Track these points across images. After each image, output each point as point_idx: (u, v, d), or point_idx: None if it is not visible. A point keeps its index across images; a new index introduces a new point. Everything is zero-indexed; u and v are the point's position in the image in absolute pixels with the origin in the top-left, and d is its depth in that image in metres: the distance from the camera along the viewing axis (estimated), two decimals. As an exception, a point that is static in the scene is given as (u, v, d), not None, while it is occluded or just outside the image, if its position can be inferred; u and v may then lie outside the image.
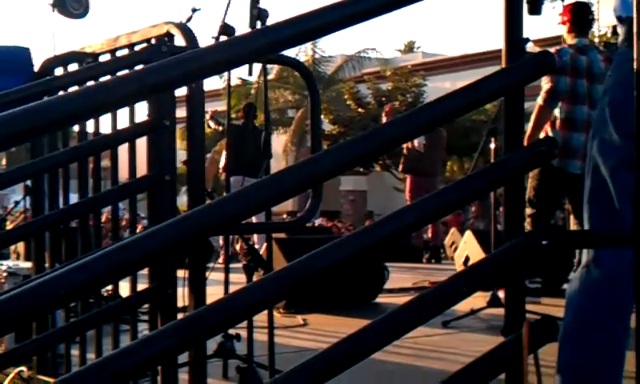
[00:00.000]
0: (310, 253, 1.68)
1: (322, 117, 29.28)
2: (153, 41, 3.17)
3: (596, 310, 2.70)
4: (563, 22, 6.45)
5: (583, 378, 2.71)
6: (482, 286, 1.76)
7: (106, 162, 3.76)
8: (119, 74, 3.42)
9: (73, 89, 3.57)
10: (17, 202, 8.39)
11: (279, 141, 28.18)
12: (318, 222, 18.78)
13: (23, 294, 1.29)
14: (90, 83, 3.50)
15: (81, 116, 1.89)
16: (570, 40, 6.42)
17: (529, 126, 6.24)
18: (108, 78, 3.44)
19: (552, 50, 6.51)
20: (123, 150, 3.53)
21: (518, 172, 1.79)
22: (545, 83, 6.22)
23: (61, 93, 3.57)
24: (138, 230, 3.90)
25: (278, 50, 1.96)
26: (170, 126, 3.15)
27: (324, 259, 1.63)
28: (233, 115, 23.72)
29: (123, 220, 9.07)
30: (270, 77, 31.05)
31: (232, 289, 4.33)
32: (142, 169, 3.47)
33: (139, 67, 3.29)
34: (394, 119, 1.80)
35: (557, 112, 6.21)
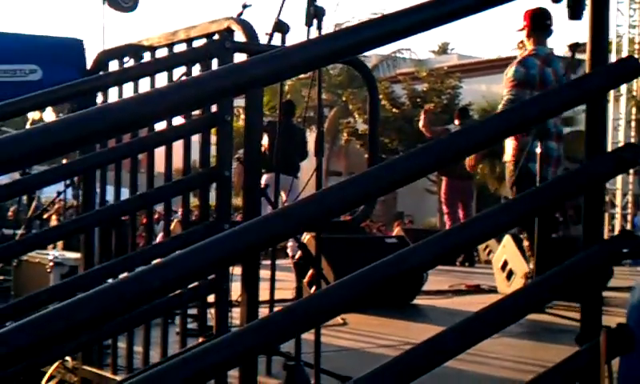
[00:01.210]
0: (384, 258, 1.66)
1: (357, 116, 29.28)
2: (215, 36, 3.15)
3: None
4: (523, 28, 6.50)
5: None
6: (562, 292, 1.74)
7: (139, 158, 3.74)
8: (177, 69, 3.42)
9: (128, 85, 3.58)
10: (59, 193, 8.44)
11: (312, 138, 28.17)
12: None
13: (124, 284, 1.29)
14: (146, 79, 3.51)
15: (135, 124, 1.87)
16: (530, 46, 6.47)
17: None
18: (165, 74, 3.45)
19: (519, 57, 6.61)
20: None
21: (601, 179, 1.77)
22: (508, 94, 6.35)
23: (115, 89, 3.58)
24: (172, 226, 3.91)
25: (357, 53, 1.95)
26: (230, 122, 3.14)
27: (399, 265, 1.61)
28: (266, 112, 23.77)
29: (156, 213, 9.08)
30: (304, 75, 30.92)
31: (277, 285, 4.33)
32: (178, 165, 3.46)
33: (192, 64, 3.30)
34: (474, 124, 1.78)
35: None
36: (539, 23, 6.37)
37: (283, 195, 7.78)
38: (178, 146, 3.44)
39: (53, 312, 1.25)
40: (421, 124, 11.85)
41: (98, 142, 3.24)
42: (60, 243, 7.16)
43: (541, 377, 1.74)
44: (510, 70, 6.51)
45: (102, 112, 1.52)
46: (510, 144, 6.52)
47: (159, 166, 3.62)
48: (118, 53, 3.88)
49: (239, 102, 3.27)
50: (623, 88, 16.37)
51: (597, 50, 1.80)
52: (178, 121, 3.44)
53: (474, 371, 4.34)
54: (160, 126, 3.54)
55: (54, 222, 9.36)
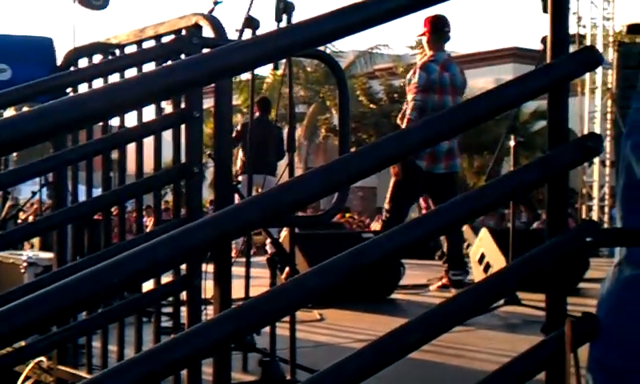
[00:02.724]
0: (352, 248, 1.66)
1: (334, 112, 29.29)
2: (183, 32, 3.15)
3: (629, 308, 2.68)
4: (423, 34, 6.85)
5: (616, 375, 2.69)
6: (527, 282, 1.75)
7: (113, 156, 3.74)
8: (146, 65, 3.41)
9: (98, 81, 3.57)
10: (34, 193, 8.38)
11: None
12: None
13: (78, 280, 1.28)
14: (116, 75, 3.50)
15: (108, 113, 1.86)
16: (430, 52, 6.87)
17: None
18: (134, 70, 3.44)
19: (419, 62, 7.02)
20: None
21: (565, 167, 1.78)
22: (412, 100, 6.81)
23: (85, 85, 3.57)
24: (146, 222, 3.90)
25: (315, 46, 1.94)
26: (199, 118, 3.13)
27: (368, 255, 1.61)
28: (244, 110, 23.71)
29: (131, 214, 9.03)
30: (279, 72, 30.95)
31: (253, 282, 4.33)
32: (150, 163, 3.46)
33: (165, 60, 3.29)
34: (435, 115, 1.79)
35: None
36: (438, 30, 6.72)
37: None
38: (150, 146, 3.44)
39: (10, 308, 1.24)
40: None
41: (68, 132, 3.23)
42: (37, 244, 7.13)
43: (506, 366, 1.75)
44: (415, 76, 6.87)
45: (72, 102, 1.51)
46: None
47: (131, 166, 3.62)
48: (88, 51, 3.87)
49: (211, 102, 3.26)
50: (599, 81, 16.47)
51: (558, 41, 1.81)
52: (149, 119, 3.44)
53: (448, 363, 4.36)
54: (131, 123, 3.54)
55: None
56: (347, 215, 22.77)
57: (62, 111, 1.42)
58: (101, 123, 3.69)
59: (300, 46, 1.69)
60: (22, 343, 4.02)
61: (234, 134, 9.36)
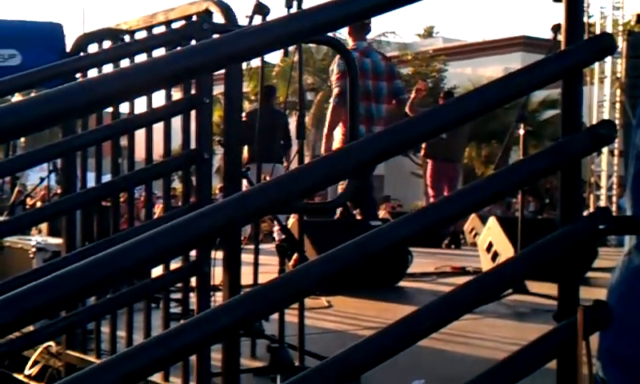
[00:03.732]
0: (359, 236, 1.65)
1: (341, 100, 29.26)
2: (193, 18, 3.14)
3: (639, 296, 2.67)
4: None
5: (625, 364, 2.68)
6: (538, 270, 1.74)
7: (123, 143, 3.74)
8: (156, 51, 3.40)
9: (107, 67, 3.56)
10: (42, 179, 8.38)
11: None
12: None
13: (87, 266, 1.28)
14: (126, 61, 3.49)
15: (116, 98, 1.86)
16: (352, 42, 7.30)
17: (326, 125, 7.38)
18: (144, 55, 3.43)
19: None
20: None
21: (577, 155, 1.77)
22: (335, 87, 7.09)
23: (95, 71, 3.56)
24: (156, 210, 3.91)
25: (324, 32, 1.94)
26: (209, 104, 3.13)
27: (375, 244, 1.60)
28: (252, 97, 23.70)
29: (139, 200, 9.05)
30: (290, 59, 30.92)
31: (261, 269, 4.33)
32: (159, 151, 3.46)
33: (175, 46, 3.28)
34: (450, 100, 1.78)
35: (360, 109, 6.93)
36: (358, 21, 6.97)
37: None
38: (160, 134, 3.44)
39: (19, 293, 1.24)
40: (407, 105, 11.76)
41: (78, 117, 3.22)
42: (45, 229, 7.14)
43: (517, 354, 1.74)
44: (335, 66, 7.25)
45: (82, 86, 1.51)
46: (338, 131, 7.31)
47: (141, 153, 3.62)
48: (98, 36, 3.86)
49: (220, 89, 3.26)
50: (608, 70, 16.41)
51: (572, 28, 1.79)
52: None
53: (457, 351, 4.36)
54: (140, 110, 3.54)
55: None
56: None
57: (70, 96, 1.42)
58: (110, 110, 3.70)
59: (309, 33, 1.68)
60: (31, 328, 4.04)
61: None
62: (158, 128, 3.44)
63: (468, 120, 1.78)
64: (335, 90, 7.15)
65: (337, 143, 7.24)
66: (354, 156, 1.59)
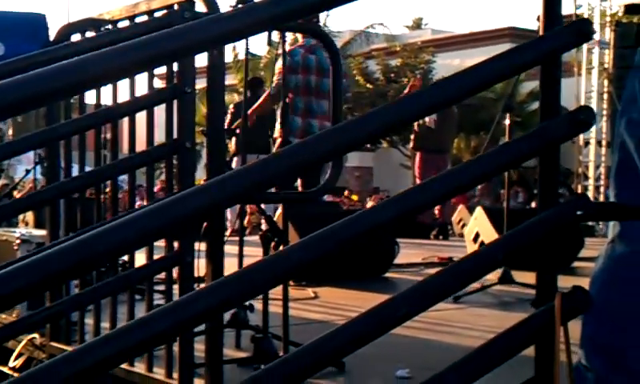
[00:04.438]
0: (334, 223, 1.65)
1: (330, 92, 29.25)
2: (175, 7, 3.13)
3: (621, 284, 2.67)
4: None
5: (607, 352, 2.69)
6: (516, 255, 1.74)
7: (108, 136, 3.74)
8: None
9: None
10: (27, 171, 8.34)
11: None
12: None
13: (65, 250, 1.28)
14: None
15: (97, 80, 1.85)
16: (301, 39, 7.52)
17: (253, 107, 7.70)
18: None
19: (288, 48, 7.42)
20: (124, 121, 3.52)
21: (556, 140, 1.76)
22: (276, 78, 7.27)
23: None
24: (137, 201, 3.90)
25: (300, 17, 1.93)
26: (191, 94, 3.12)
27: (349, 230, 1.60)
28: (240, 89, 23.61)
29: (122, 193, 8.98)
30: (274, 50, 31.01)
31: (246, 261, 4.32)
32: (142, 142, 3.45)
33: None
34: (430, 86, 1.78)
35: (299, 103, 7.43)
36: (306, 19, 7.18)
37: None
38: (144, 126, 3.43)
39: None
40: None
41: (57, 100, 3.21)
42: (31, 221, 7.12)
43: (495, 340, 1.74)
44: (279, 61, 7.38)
45: (62, 69, 1.49)
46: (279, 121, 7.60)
47: (125, 147, 3.61)
48: (80, 26, 3.85)
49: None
50: (595, 61, 16.44)
51: (549, 14, 1.79)
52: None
53: (442, 341, 4.36)
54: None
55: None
56: (345, 193, 22.80)
57: (50, 78, 1.41)
58: (94, 102, 3.69)
59: (284, 17, 1.67)
60: (14, 317, 4.03)
61: (228, 116, 9.38)
62: (143, 120, 3.44)
63: (447, 105, 1.78)
64: (275, 82, 7.41)
65: (276, 132, 7.33)
66: (329, 142, 1.59)
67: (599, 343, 2.74)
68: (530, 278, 5.33)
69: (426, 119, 11.38)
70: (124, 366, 3.49)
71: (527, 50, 1.79)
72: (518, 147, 1.77)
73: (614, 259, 2.73)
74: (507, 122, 6.00)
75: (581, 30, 1.79)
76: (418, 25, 48.74)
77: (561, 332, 1.80)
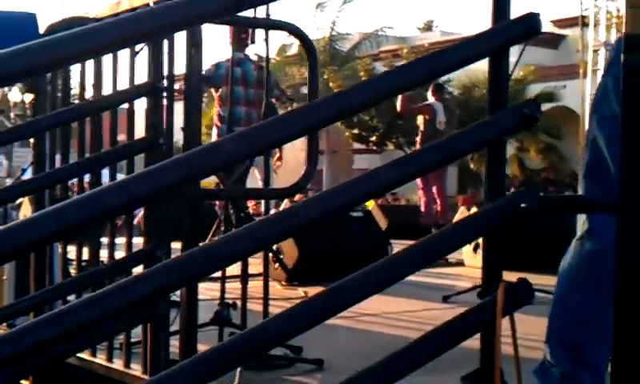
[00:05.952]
0: (298, 203, 1.69)
1: (337, 93, 29.24)
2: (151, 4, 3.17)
3: (587, 281, 2.69)
4: (230, 38, 7.71)
5: (572, 348, 2.70)
6: (467, 242, 1.77)
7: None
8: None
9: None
10: (24, 170, 8.40)
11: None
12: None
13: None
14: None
15: (79, 55, 1.89)
16: (231, 53, 7.83)
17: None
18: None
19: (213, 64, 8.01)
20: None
21: (503, 133, 1.78)
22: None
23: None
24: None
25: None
26: (167, 89, 3.16)
27: (313, 210, 1.63)
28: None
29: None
30: (289, 53, 31.07)
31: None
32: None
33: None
34: (378, 75, 1.81)
35: (222, 112, 7.90)
36: (236, 36, 7.56)
37: (257, 173, 7.85)
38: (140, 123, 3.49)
39: None
40: (399, 108, 11.71)
41: (37, 75, 3.27)
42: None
43: (439, 329, 1.76)
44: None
45: (43, 45, 1.52)
46: (215, 131, 8.32)
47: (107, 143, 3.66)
48: (67, 25, 3.89)
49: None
50: (601, 62, 16.37)
51: (499, 7, 1.80)
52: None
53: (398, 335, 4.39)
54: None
55: (20, 199, 9.30)
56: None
57: (31, 53, 1.43)
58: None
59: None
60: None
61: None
62: (142, 121, 3.50)
63: (394, 95, 1.81)
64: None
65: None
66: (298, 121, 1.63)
67: (564, 339, 2.76)
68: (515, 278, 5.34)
69: (437, 121, 11.35)
70: (102, 362, 3.54)
71: (475, 43, 1.81)
72: (463, 139, 1.79)
73: (582, 256, 2.74)
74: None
75: (530, 24, 1.80)
76: (429, 27, 48.77)
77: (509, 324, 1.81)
